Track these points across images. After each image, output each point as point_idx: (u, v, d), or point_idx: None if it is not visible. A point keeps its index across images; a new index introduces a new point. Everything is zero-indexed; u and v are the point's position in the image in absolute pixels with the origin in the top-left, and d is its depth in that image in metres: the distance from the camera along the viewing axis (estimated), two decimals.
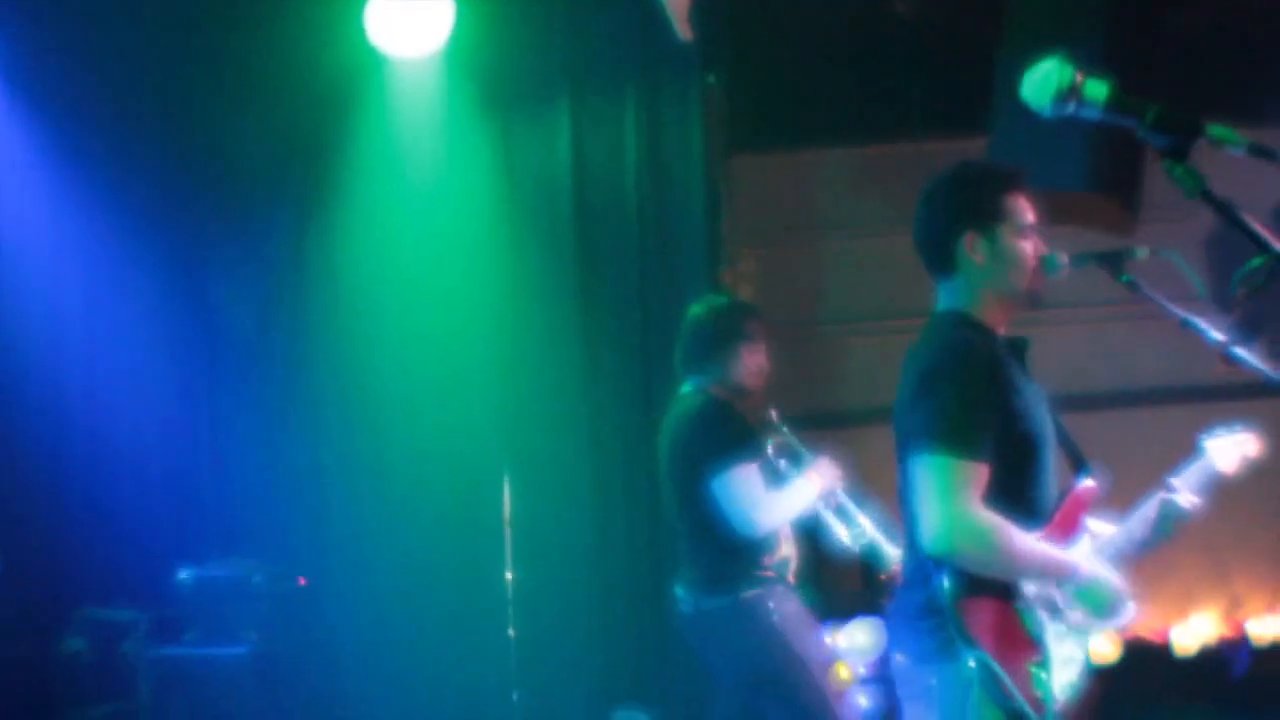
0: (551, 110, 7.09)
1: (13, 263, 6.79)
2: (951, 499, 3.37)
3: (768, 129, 7.48)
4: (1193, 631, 7.48)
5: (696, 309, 5.39)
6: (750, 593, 5.06)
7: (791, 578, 5.20)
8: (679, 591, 5.26)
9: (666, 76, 7.05)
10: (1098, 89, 2.62)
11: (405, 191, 7.07)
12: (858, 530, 5.37)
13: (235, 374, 7.10)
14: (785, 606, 5.11)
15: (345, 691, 6.72)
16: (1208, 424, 4.05)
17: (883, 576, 5.36)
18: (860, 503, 5.34)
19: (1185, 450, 3.94)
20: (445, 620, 6.82)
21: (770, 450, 5.40)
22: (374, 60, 6.97)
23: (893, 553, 5.20)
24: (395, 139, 7.07)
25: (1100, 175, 6.21)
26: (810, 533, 5.40)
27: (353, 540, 6.92)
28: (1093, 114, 2.63)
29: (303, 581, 6.58)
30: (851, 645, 6.75)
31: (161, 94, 7.01)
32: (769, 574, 5.10)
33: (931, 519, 3.39)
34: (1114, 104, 2.61)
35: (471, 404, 6.93)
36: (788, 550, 5.20)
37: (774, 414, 5.50)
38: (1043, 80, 2.65)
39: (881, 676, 6.58)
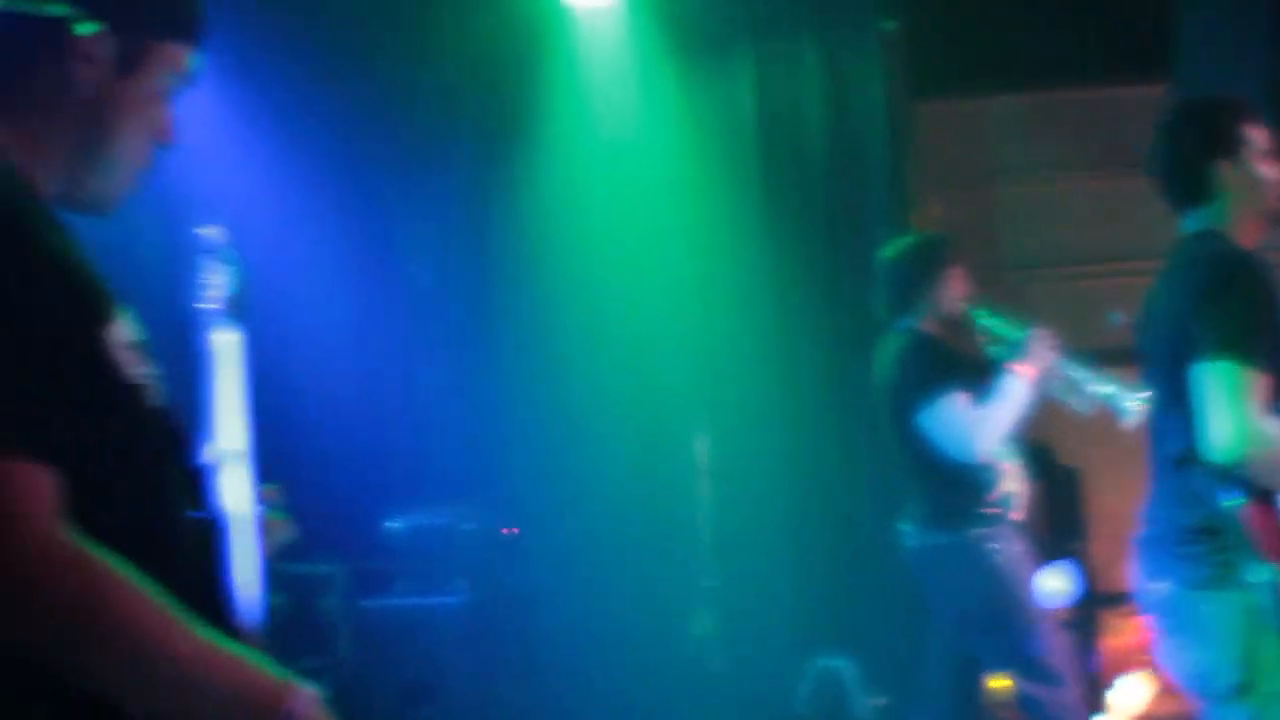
0: (734, 58, 7.08)
1: (198, 219, 6.78)
2: (1241, 405, 3.32)
3: (947, 75, 7.40)
4: None
5: (889, 251, 5.34)
6: (976, 531, 5.01)
7: (1016, 514, 5.13)
8: (904, 527, 5.23)
9: (845, 23, 7.04)
10: None
11: (589, 142, 7.07)
12: (1090, 391, 5.12)
13: (425, 325, 7.10)
14: (1010, 547, 5.06)
15: (545, 642, 6.70)
16: None
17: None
18: (1083, 364, 5.15)
19: None
20: (642, 572, 6.82)
21: (988, 360, 5.19)
22: (557, 10, 6.99)
23: (1133, 401, 4.96)
24: (579, 89, 7.07)
25: None
26: None
27: (547, 492, 6.89)
28: None
29: (512, 531, 6.59)
30: (1046, 591, 6.69)
31: (343, 45, 6.98)
32: (995, 511, 5.06)
33: (1221, 426, 3.32)
34: None
35: (664, 356, 6.92)
36: (1012, 485, 5.12)
37: (966, 305, 5.27)
38: None
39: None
